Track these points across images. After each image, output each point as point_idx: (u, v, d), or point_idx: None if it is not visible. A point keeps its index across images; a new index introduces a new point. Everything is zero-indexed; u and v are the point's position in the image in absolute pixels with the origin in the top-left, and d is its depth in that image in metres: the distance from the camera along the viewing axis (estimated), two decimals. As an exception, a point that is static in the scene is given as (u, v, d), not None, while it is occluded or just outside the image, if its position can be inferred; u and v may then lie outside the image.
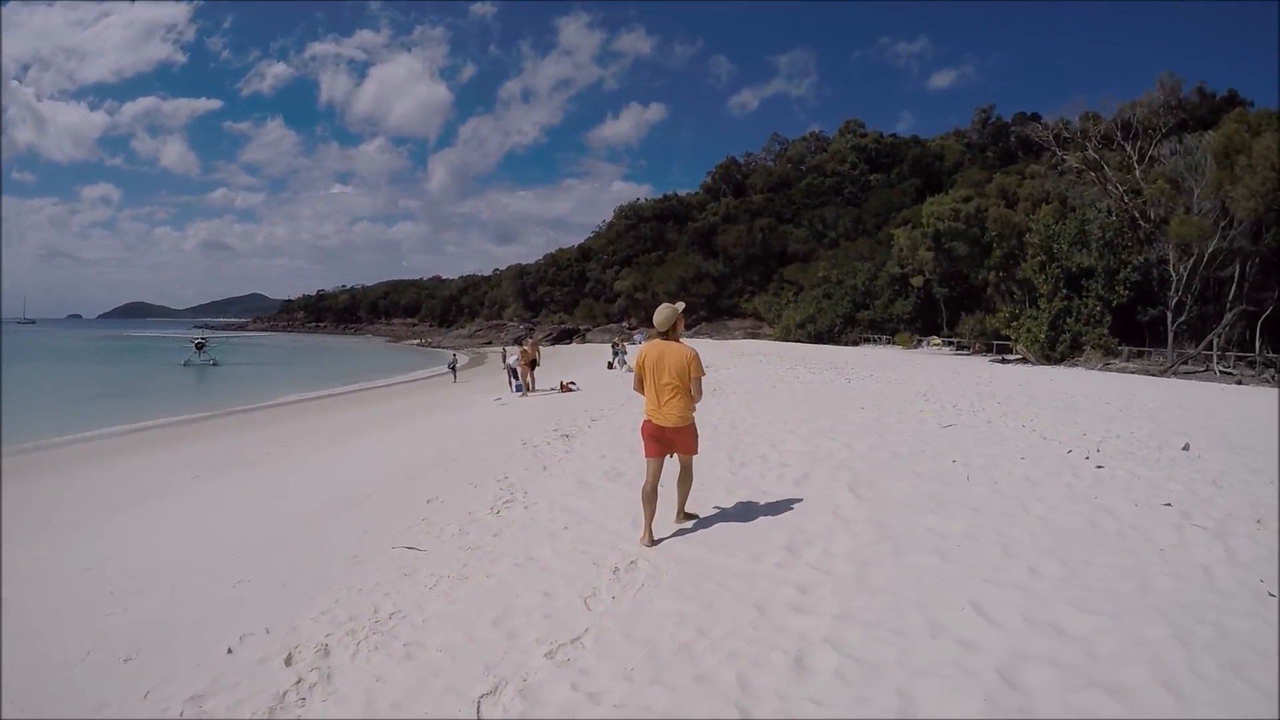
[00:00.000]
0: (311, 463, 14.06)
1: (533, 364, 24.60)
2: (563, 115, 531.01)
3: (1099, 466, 8.55)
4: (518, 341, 26.16)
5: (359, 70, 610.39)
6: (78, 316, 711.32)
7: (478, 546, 6.84)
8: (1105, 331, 37.66)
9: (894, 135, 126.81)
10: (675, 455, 6.53)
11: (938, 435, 11.05)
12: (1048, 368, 33.70)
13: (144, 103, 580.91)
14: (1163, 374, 31.54)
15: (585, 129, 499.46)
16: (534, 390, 23.94)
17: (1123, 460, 9.07)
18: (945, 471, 8.35)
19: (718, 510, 7.21)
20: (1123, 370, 33.21)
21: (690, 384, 6.21)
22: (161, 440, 19.59)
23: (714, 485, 8.18)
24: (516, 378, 24.37)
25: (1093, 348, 37.30)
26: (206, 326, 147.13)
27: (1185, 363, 34.23)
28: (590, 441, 12.30)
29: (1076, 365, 35.44)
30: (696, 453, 6.68)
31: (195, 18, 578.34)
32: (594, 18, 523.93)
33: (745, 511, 7.10)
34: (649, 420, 6.38)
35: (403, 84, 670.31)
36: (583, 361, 47.14)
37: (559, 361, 50.47)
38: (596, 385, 25.73)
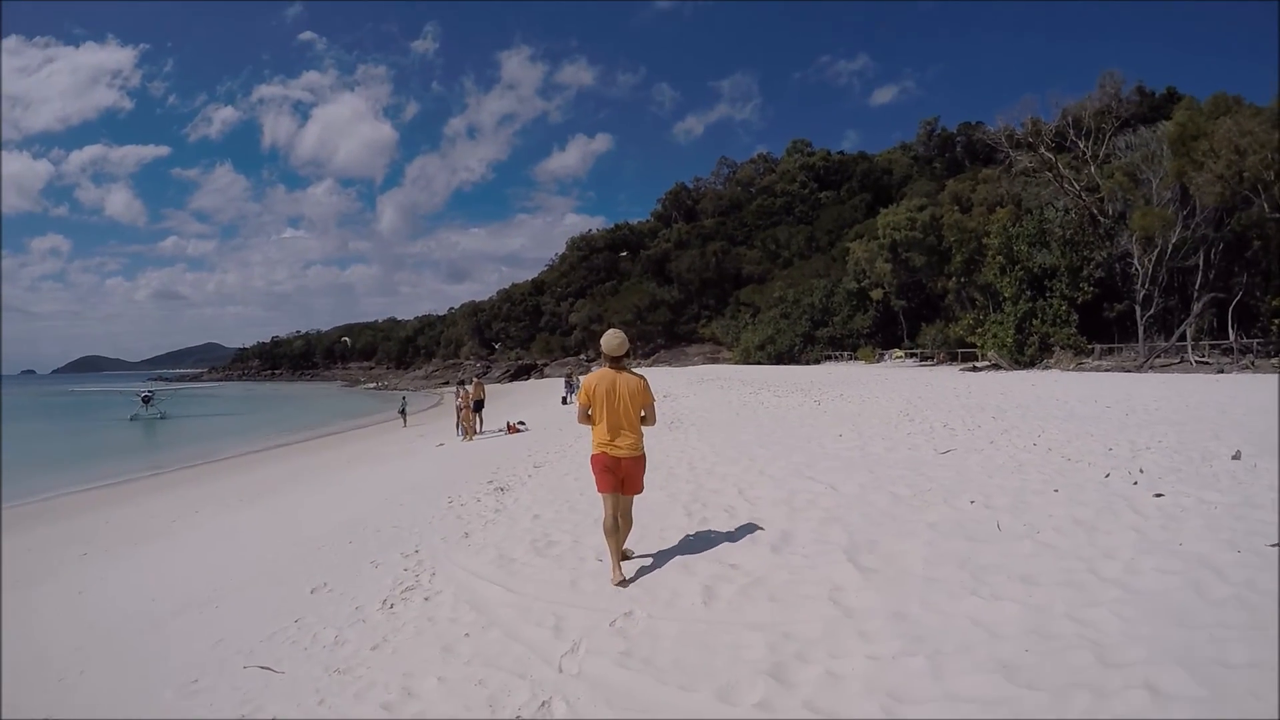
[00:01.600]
0: (207, 534, 12.41)
1: (479, 405, 23.06)
2: (509, 150, 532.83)
3: (1157, 495, 6.77)
4: (460, 384, 24.40)
5: (302, 111, 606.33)
6: (31, 372, 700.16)
7: (348, 669, 5.12)
8: (1073, 331, 36.92)
9: (841, 152, 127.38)
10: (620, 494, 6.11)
11: (938, 464, 9.24)
12: (1021, 372, 32.42)
13: (90, 151, 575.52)
14: (1139, 369, 30.43)
15: (532, 163, 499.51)
16: (479, 433, 22.35)
17: (1175, 481, 7.37)
18: (966, 518, 6.51)
19: (670, 601, 5.33)
20: (1097, 369, 32.16)
21: (645, 411, 6.10)
22: (66, 510, 17.78)
23: (669, 556, 6.34)
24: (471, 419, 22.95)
25: (1062, 348, 36.37)
26: (160, 378, 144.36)
27: (1159, 356, 33.16)
28: (525, 497, 10.47)
29: (1049, 368, 34.20)
30: (642, 491, 6.33)
31: (141, 62, 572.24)
32: (535, 50, 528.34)
33: (708, 602, 5.20)
34: (602, 453, 6.05)
35: (346, 124, 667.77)
36: (537, 398, 45.35)
37: (512, 399, 48.69)
38: (548, 423, 24.00)
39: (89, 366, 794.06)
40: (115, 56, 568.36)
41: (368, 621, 6.02)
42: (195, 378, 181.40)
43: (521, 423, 23.46)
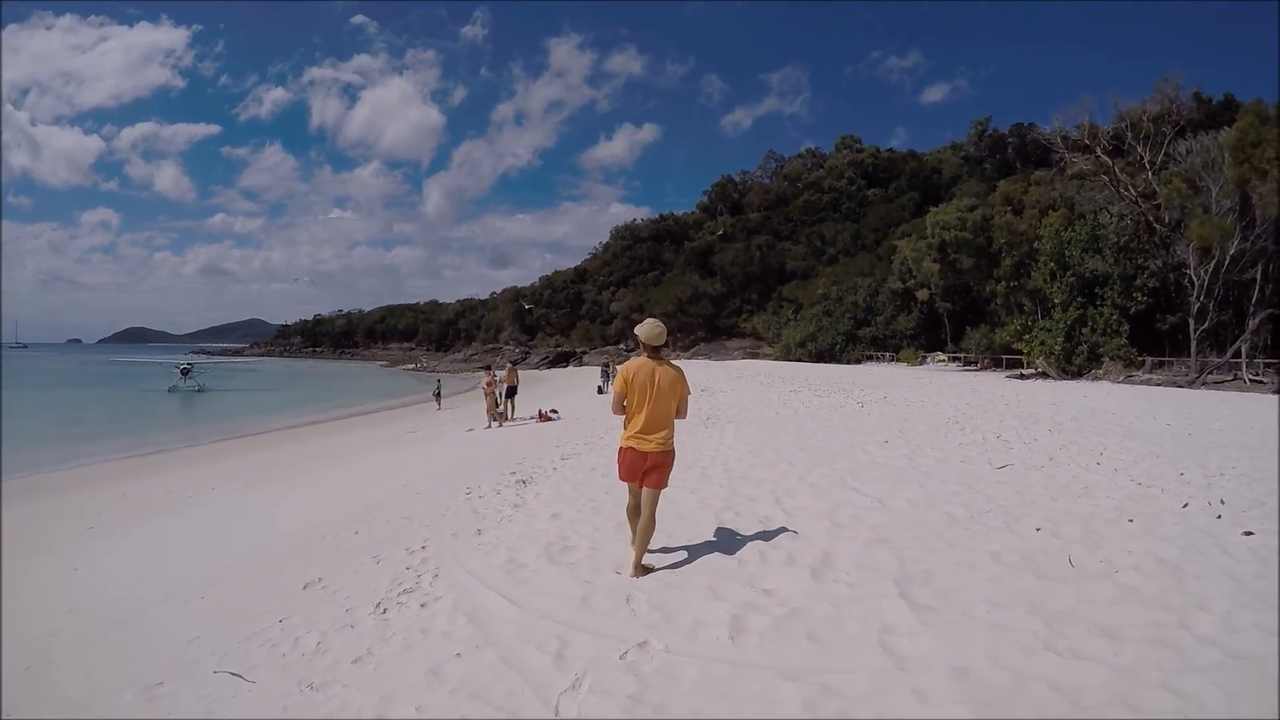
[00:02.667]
0: (219, 512, 11.93)
1: (511, 391, 22.48)
2: (556, 137, 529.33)
3: (1247, 533, 5.93)
4: (486, 368, 23.79)
5: (350, 94, 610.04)
6: (78, 341, 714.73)
7: (323, 684, 4.54)
8: (1124, 342, 35.48)
9: (890, 150, 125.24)
10: (643, 488, 5.89)
11: (995, 481, 8.43)
12: (1070, 382, 31.16)
13: (142, 128, 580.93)
14: (1190, 385, 29.16)
15: (579, 151, 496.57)
16: (510, 420, 21.79)
17: (1261, 516, 6.52)
18: (1032, 548, 5.72)
19: (693, 632, 4.61)
20: (1147, 382, 30.87)
21: (679, 404, 5.88)
22: (86, 479, 17.57)
23: (695, 574, 5.64)
24: (498, 405, 22.22)
25: (1111, 359, 34.99)
26: (203, 352, 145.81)
27: (1211, 372, 31.85)
28: (547, 492, 9.81)
29: (1099, 379, 32.96)
30: (666, 486, 6.00)
31: (194, 43, 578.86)
32: (585, 38, 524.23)
33: (736, 636, 4.47)
34: (629, 448, 5.84)
35: (395, 107, 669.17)
36: (574, 385, 44.82)
37: (548, 386, 48.16)
38: (581, 413, 23.39)
39: (135, 338, 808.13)
40: (169, 36, 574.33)
41: (356, 627, 5.44)
42: (237, 352, 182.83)
43: (554, 411, 22.89)
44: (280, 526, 10.00)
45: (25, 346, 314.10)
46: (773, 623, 4.55)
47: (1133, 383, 31.06)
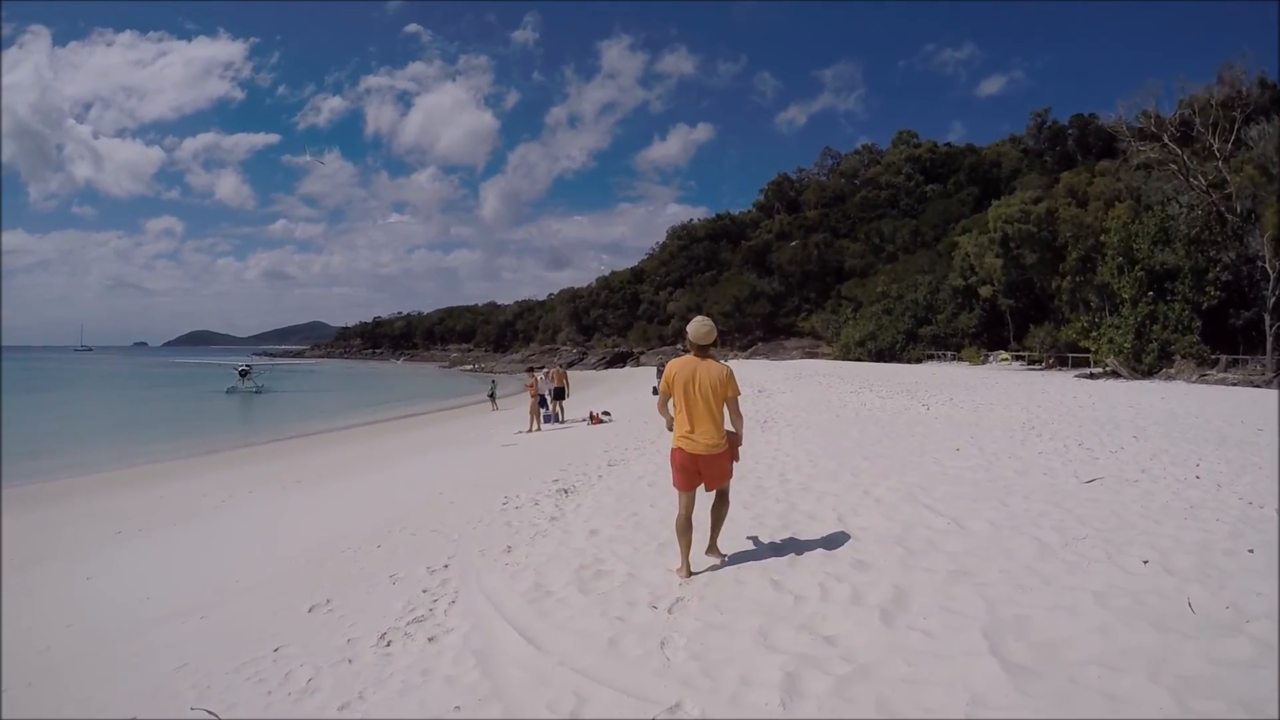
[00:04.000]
0: (247, 519, 11.53)
1: (559, 393, 21.88)
2: (610, 139, 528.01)
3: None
4: (529, 370, 23.17)
5: (405, 101, 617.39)
6: (143, 344, 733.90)
7: None
8: (1196, 339, 33.61)
9: (948, 144, 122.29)
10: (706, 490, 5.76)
11: (1085, 498, 7.37)
12: (1142, 382, 29.52)
13: (203, 138, 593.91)
14: (1269, 384, 27.41)
15: (633, 152, 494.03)
16: (561, 423, 21.51)
17: None
18: (1141, 586, 4.73)
19: (736, 695, 3.75)
20: (1222, 381, 29.07)
21: (728, 404, 5.60)
22: (128, 482, 17.44)
23: (744, 613, 4.80)
24: (546, 406, 22.09)
25: (1183, 357, 33.16)
26: (265, 354, 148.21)
27: (1291, 372, 30.00)
28: (588, 503, 9.08)
29: (1171, 378, 31.23)
30: (731, 477, 5.87)
31: (251, 55, 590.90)
32: (635, 39, 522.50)
33: (789, 703, 3.61)
34: (679, 449, 5.64)
35: (449, 113, 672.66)
36: (629, 386, 44.09)
37: (602, 387, 47.53)
38: (634, 415, 22.62)
39: (199, 341, 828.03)
40: (227, 49, 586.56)
41: (354, 663, 4.84)
42: (298, 354, 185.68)
43: (606, 413, 22.24)
44: (304, 536, 9.45)
45: (89, 349, 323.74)
46: (835, 685, 3.67)
47: (1207, 382, 29.31)
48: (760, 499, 8.04)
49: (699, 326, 5.62)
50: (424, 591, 6.16)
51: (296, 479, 15.35)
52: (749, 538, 6.49)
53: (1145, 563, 5.14)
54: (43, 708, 5.03)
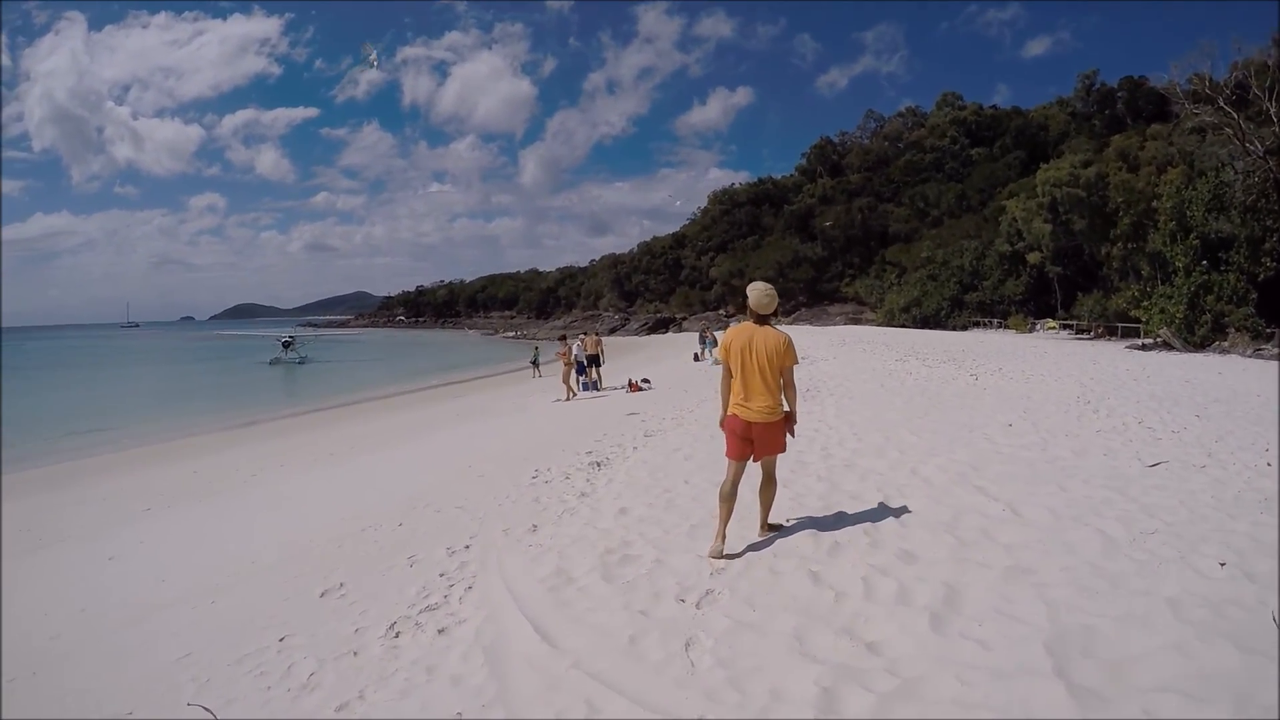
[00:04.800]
0: (273, 495, 11.36)
1: (593, 360, 21.59)
2: (649, 104, 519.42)
3: None
4: (562, 338, 22.80)
5: (441, 70, 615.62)
6: (190, 318, 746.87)
7: None
8: (1251, 311, 32.22)
9: (994, 106, 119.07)
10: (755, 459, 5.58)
11: (1151, 485, 6.75)
12: (1197, 355, 28.41)
13: (242, 115, 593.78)
14: (1326, 361, 26.17)
15: (672, 117, 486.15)
16: (600, 391, 21.33)
17: None
18: (1221, 595, 4.16)
19: (766, 708, 3.33)
20: (1276, 357, 27.78)
21: (784, 375, 5.49)
22: (170, 454, 17.64)
23: (778, 610, 4.38)
24: (583, 374, 21.96)
25: (1237, 330, 31.86)
26: (309, 324, 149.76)
27: (1350, 347, 28.73)
28: (620, 477, 8.72)
29: (1226, 351, 30.00)
30: (784, 451, 5.72)
31: (287, 30, 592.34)
32: (672, 3, 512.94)
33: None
34: (734, 415, 5.47)
35: (485, 81, 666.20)
36: (670, 353, 43.64)
37: (644, 354, 47.15)
38: (674, 382, 22.27)
39: (244, 313, 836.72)
40: (262, 26, 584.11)
41: (359, 655, 4.60)
42: (342, 324, 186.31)
43: (646, 380, 21.90)
44: (326, 513, 9.25)
45: (137, 325, 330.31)
46: (877, 704, 3.22)
47: (1262, 357, 28.02)
48: (801, 476, 7.59)
49: (760, 294, 5.47)
50: (441, 575, 5.88)
51: (329, 452, 15.24)
52: (787, 520, 6.06)
53: (1222, 565, 4.59)
54: (41, 701, 4.86)
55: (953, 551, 5.07)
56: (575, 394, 19.96)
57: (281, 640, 5.03)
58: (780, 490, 5.98)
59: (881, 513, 6.13)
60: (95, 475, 15.13)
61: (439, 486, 9.64)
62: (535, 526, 6.89)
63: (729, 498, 5.49)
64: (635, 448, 10.78)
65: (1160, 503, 6.02)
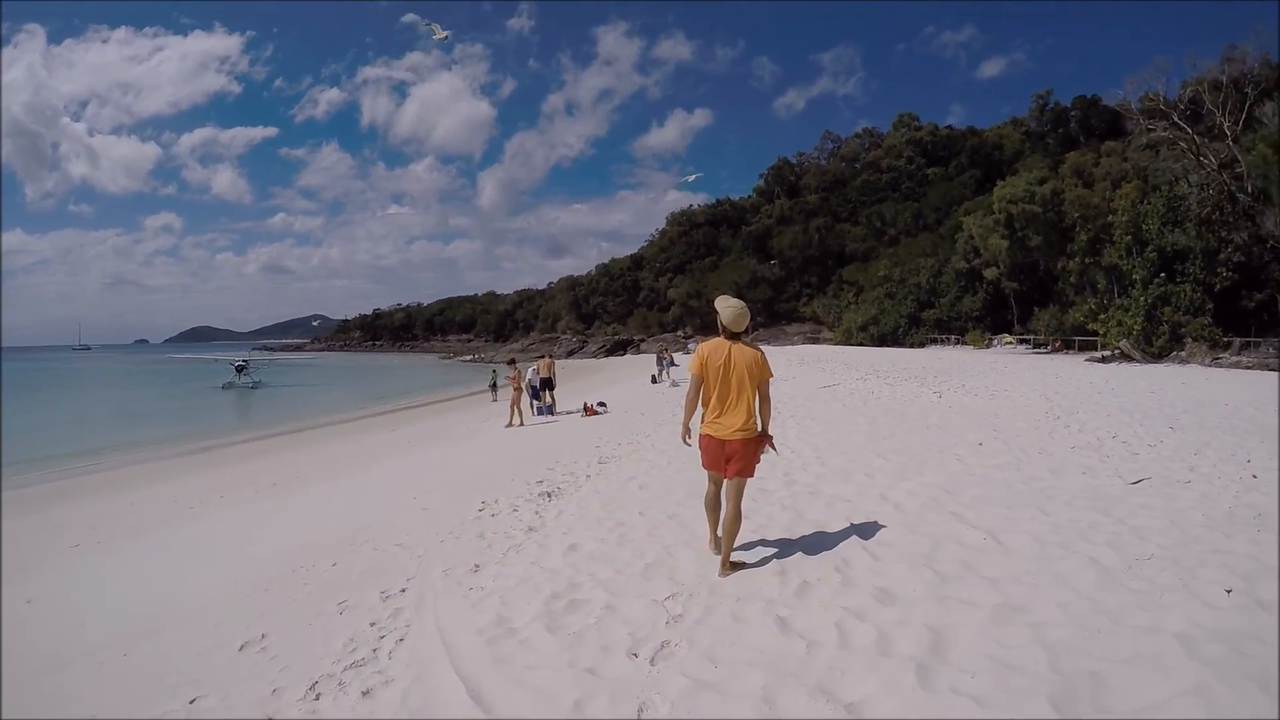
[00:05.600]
0: (209, 530, 10.54)
1: (546, 384, 21.10)
2: (608, 126, 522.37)
3: None
4: (510, 363, 22.17)
5: (400, 91, 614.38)
6: (144, 341, 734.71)
7: None
8: (1208, 321, 32.63)
9: (949, 127, 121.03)
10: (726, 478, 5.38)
11: (1136, 504, 6.34)
12: (1156, 366, 28.48)
13: (200, 133, 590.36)
14: (1284, 369, 26.31)
15: (631, 139, 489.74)
16: (553, 417, 20.95)
17: None
18: (1231, 626, 3.77)
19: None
20: (1236, 365, 27.97)
21: (760, 390, 5.31)
22: (103, 485, 16.59)
23: (743, 666, 3.88)
24: (537, 399, 21.50)
25: (1195, 340, 32.14)
26: (265, 348, 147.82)
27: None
28: (571, 509, 8.20)
29: (1185, 361, 30.18)
30: (752, 475, 5.45)
31: (248, 48, 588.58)
32: (632, 25, 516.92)
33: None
34: (707, 435, 5.36)
35: (445, 102, 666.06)
36: (627, 374, 43.17)
37: (601, 376, 46.64)
38: (630, 405, 21.81)
39: (200, 337, 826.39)
40: (223, 44, 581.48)
41: None
42: (298, 348, 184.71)
43: (601, 404, 21.45)
44: (259, 551, 8.57)
45: (88, 348, 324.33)
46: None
47: (1221, 366, 28.25)
48: (763, 505, 7.09)
49: (732, 312, 5.30)
50: (372, 625, 5.33)
51: (273, 482, 14.50)
52: (748, 557, 5.58)
53: (1229, 592, 4.18)
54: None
55: (933, 588, 4.60)
56: (522, 421, 19.33)
57: (192, 703, 4.50)
58: (743, 522, 5.52)
59: (852, 545, 5.64)
60: (24, 507, 14.22)
61: (380, 520, 9.05)
62: (477, 566, 6.35)
63: (714, 507, 5.52)
64: (588, 475, 10.29)
65: (1150, 524, 5.62)
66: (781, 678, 3.64)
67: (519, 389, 20.06)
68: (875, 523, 6.23)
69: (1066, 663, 3.48)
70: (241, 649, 5.24)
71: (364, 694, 4.20)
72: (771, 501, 7.26)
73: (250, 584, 7.02)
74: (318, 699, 4.23)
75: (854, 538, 5.83)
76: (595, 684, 3.83)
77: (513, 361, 22.02)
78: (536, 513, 8.21)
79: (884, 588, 4.68)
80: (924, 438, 10.69)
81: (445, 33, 48.26)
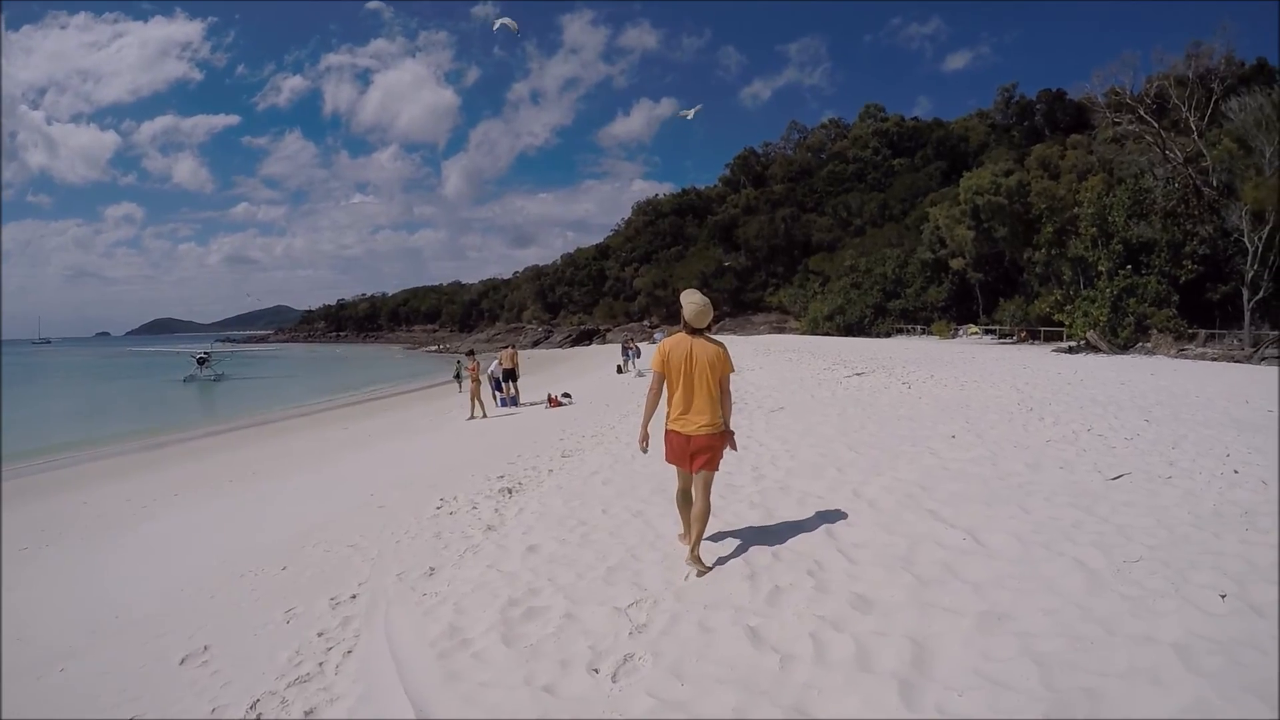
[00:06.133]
0: (160, 531, 10.14)
1: (509, 375, 20.77)
2: (574, 115, 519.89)
3: None
4: (469, 354, 21.77)
5: (363, 79, 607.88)
6: (106, 334, 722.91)
7: None
8: (1173, 313, 32.90)
9: (915, 119, 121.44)
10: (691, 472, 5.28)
11: (1118, 501, 6.08)
12: (1122, 357, 28.62)
13: (161, 121, 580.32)
14: (1248, 360, 26.54)
15: (597, 128, 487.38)
16: (516, 408, 20.55)
17: None
18: (1229, 634, 3.56)
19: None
20: (1202, 356, 28.21)
21: (723, 382, 5.27)
22: (64, 482, 16.02)
23: (711, 683, 3.61)
24: (500, 390, 21.29)
25: (1160, 331, 32.40)
26: (228, 340, 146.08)
27: (1270, 346, 29.28)
28: (533, 506, 7.89)
29: (1151, 353, 30.39)
30: (717, 469, 5.36)
31: (209, 34, 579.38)
32: (598, 14, 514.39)
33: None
34: (673, 431, 5.26)
35: (408, 90, 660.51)
36: (593, 365, 42.86)
37: (567, 366, 46.33)
38: (596, 396, 21.49)
39: (162, 329, 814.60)
40: (184, 30, 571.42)
41: None
42: (262, 339, 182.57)
43: (566, 395, 21.07)
44: (208, 554, 8.20)
45: (49, 341, 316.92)
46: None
47: (1187, 357, 28.48)
48: (731, 502, 6.82)
49: (694, 308, 5.26)
50: (319, 635, 5.06)
51: (229, 479, 14.06)
52: (718, 559, 5.30)
53: (1223, 597, 3.97)
54: None
55: (913, 594, 4.35)
56: (485, 413, 18.94)
57: (182, 662, 4.59)
58: (710, 521, 5.27)
59: (826, 546, 5.37)
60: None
61: (336, 519, 8.71)
62: (432, 570, 6.05)
63: (686, 503, 5.44)
64: (551, 470, 9.97)
65: (1134, 522, 5.41)
66: (754, 696, 3.38)
67: (478, 380, 19.69)
68: (849, 521, 5.95)
69: (1060, 678, 3.24)
70: (183, 662, 4.96)
71: (307, 713, 3.92)
72: (740, 498, 6.99)
73: (197, 589, 6.70)
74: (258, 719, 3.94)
75: (827, 538, 5.56)
76: (551, 704, 3.56)
77: (471, 353, 21.64)
78: (496, 510, 7.91)
79: (861, 594, 4.42)
80: (895, 430, 10.42)
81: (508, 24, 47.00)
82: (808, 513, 6.31)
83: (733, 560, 5.27)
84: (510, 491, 8.79)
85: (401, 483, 10.61)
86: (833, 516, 6.11)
